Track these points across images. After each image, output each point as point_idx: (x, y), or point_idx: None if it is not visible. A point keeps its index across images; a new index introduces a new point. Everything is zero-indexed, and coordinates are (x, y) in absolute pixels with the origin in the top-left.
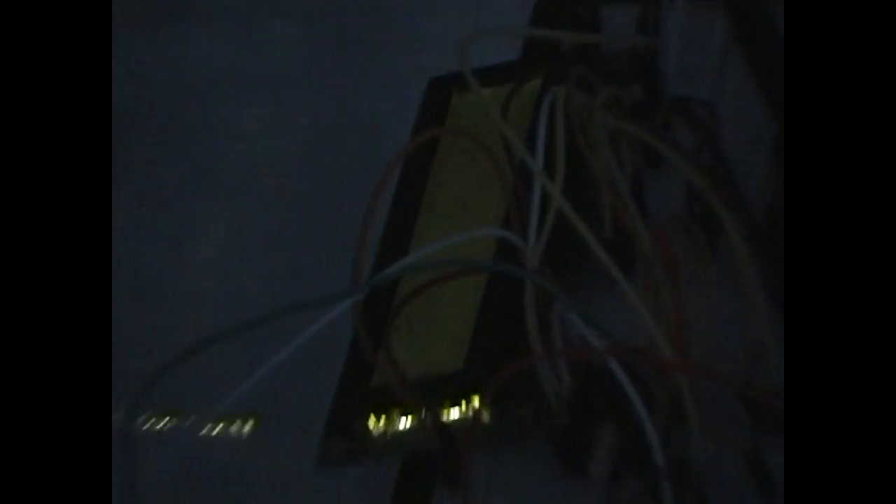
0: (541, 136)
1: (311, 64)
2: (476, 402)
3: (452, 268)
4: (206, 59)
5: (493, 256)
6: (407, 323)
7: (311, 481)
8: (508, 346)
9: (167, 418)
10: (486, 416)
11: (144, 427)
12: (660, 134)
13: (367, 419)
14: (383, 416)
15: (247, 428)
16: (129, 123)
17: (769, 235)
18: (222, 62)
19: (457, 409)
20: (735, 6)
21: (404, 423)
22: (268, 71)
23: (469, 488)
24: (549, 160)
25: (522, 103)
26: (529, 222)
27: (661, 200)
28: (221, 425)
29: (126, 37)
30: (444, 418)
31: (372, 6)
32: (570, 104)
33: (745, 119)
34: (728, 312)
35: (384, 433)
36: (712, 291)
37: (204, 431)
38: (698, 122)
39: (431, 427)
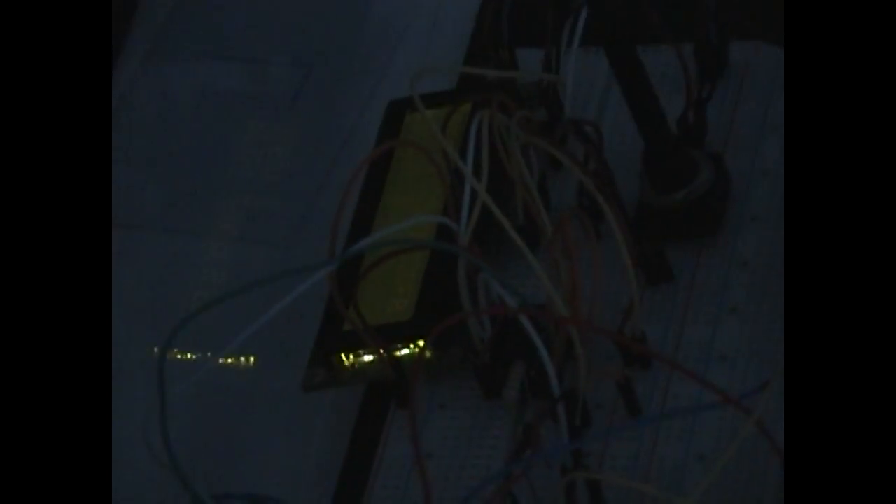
0: (471, 146)
1: (303, 90)
2: (421, 343)
3: (404, 245)
4: (221, 82)
5: (434, 237)
6: (369, 285)
7: (298, 402)
8: (446, 303)
9: (190, 354)
10: (428, 354)
11: (176, 358)
12: (559, 146)
13: (339, 356)
14: (352, 354)
15: (250, 362)
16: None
17: (638, 223)
18: (232, 86)
19: (406, 349)
20: (612, 55)
21: (367, 359)
22: (266, 94)
23: (415, 407)
24: (477, 165)
25: (457, 121)
26: (462, 211)
27: (559, 196)
28: (230, 360)
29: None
30: (397, 355)
31: (352, 47)
32: (492, 123)
33: (621, 136)
34: (608, 280)
35: (352, 366)
36: (597, 264)
37: (217, 364)
38: (587, 138)
39: (388, 362)
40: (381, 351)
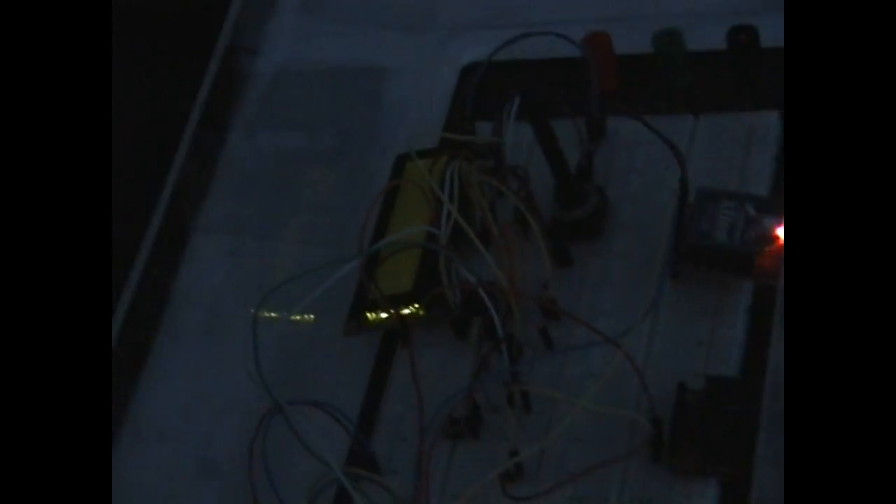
0: (447, 183)
1: (342, 149)
2: (417, 306)
3: (405, 244)
4: (292, 143)
5: (424, 239)
6: (384, 269)
7: (341, 342)
8: (432, 280)
9: (273, 312)
10: (421, 313)
11: (264, 316)
12: (502, 182)
13: (365, 313)
14: (373, 312)
15: (311, 318)
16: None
17: (552, 230)
18: (299, 145)
19: (408, 309)
20: (534, 125)
21: (383, 315)
22: (320, 151)
23: (412, 346)
24: (451, 194)
25: (439, 168)
26: (441, 224)
27: (504, 212)
28: (299, 317)
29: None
30: (402, 313)
31: (374, 121)
32: (461, 168)
33: (541, 176)
34: (533, 266)
35: (374, 320)
36: (526, 256)
37: (290, 319)
38: (519, 177)
39: (396, 317)
40: (392, 311)
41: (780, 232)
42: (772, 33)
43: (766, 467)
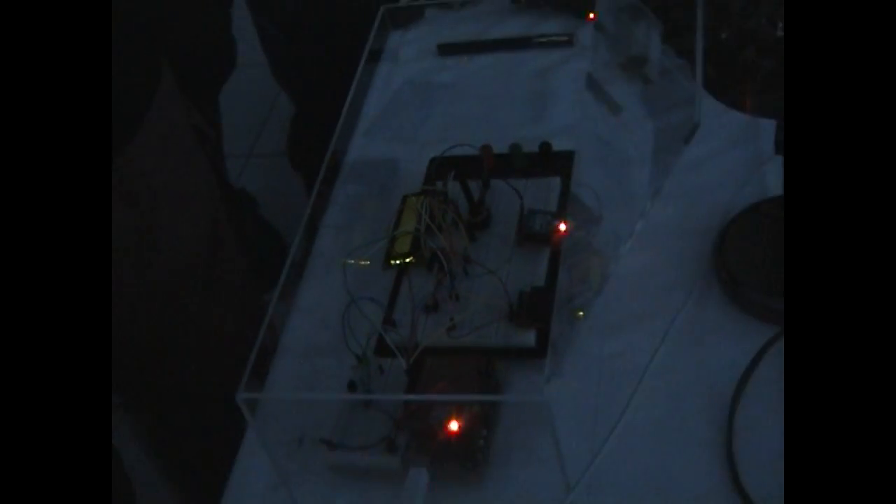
0: (424, 207)
1: (381, 193)
2: (411, 258)
3: (405, 233)
4: (360, 191)
5: (414, 230)
6: (397, 242)
7: (382, 272)
8: (417, 247)
9: (351, 261)
10: (413, 261)
11: (348, 264)
12: (447, 206)
13: (390, 260)
14: (393, 260)
15: (367, 262)
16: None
17: (467, 226)
18: (362, 192)
19: (408, 259)
20: (460, 182)
21: (397, 262)
22: (372, 195)
23: (409, 275)
24: (425, 212)
25: (421, 200)
26: (421, 224)
27: (447, 219)
28: (363, 262)
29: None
30: (406, 261)
31: (395, 175)
32: (430, 201)
33: (463, 203)
34: (459, 241)
35: (393, 264)
36: (457, 237)
37: (359, 263)
38: (454, 203)
39: (403, 263)
40: (401, 259)
41: (560, 227)
42: (560, 146)
43: (556, 323)
